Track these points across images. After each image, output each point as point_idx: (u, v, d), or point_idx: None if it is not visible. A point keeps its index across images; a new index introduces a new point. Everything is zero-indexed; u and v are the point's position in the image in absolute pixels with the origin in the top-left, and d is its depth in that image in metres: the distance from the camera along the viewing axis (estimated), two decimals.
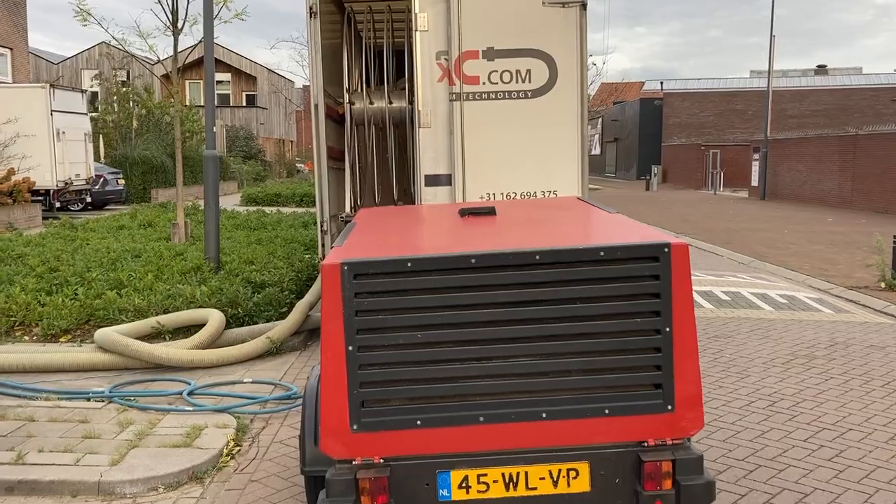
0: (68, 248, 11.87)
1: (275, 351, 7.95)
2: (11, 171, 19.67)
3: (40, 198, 20.75)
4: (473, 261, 3.12)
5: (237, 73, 51.98)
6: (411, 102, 8.50)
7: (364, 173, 8.76)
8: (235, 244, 12.89)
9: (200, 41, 14.30)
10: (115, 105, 32.60)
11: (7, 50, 31.60)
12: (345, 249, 3.42)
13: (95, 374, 7.23)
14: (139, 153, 29.02)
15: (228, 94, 52.66)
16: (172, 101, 16.13)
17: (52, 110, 21.07)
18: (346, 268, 3.11)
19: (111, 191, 25.62)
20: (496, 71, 7.50)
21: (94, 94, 34.14)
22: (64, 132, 21.68)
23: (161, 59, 17.01)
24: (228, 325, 8.18)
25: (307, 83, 61.45)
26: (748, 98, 49.44)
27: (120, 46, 15.42)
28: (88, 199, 24.07)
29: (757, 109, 48.06)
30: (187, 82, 49.28)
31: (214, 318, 7.93)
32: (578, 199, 5.04)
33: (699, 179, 42.81)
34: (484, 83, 7.50)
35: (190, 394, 6.58)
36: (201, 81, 52.35)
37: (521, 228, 3.88)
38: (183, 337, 8.17)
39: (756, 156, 34.45)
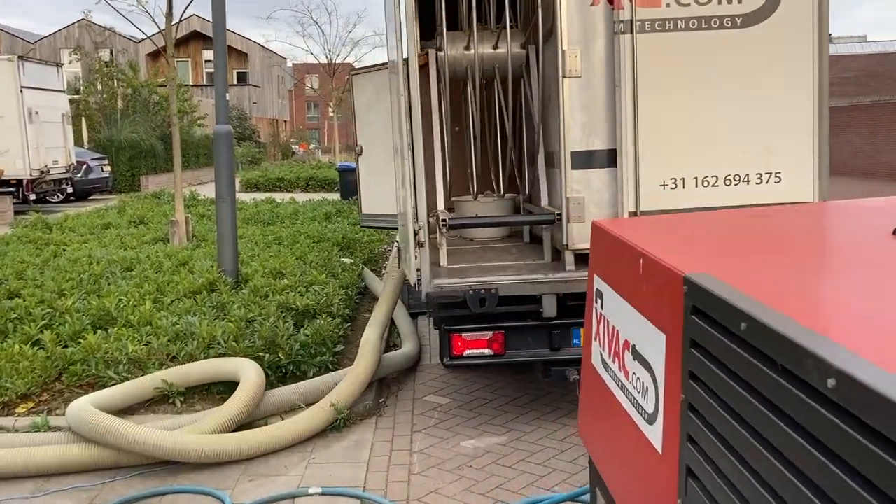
0: (37, 258, 9.10)
1: (341, 423, 5.27)
2: None
3: (11, 189, 17.87)
4: None
5: (227, 49, 48.77)
6: (525, 46, 5.79)
7: (454, 151, 6.07)
8: (251, 245, 10.17)
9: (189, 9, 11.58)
10: (98, 84, 29.58)
11: None
12: None
13: (71, 477, 4.55)
14: (126, 136, 26.09)
15: None
16: (163, 78, 13.34)
17: (21, 86, 18.11)
18: None
19: (95, 179, 22.75)
20: None
21: (76, 77, 31.03)
22: (37, 112, 18.73)
23: (147, 35, 14.26)
24: (267, 382, 5.49)
25: (300, 61, 58.43)
26: None
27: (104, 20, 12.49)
28: (69, 190, 21.21)
29: None
30: (175, 61, 46.22)
31: (249, 375, 5.24)
32: None
33: None
34: (668, 4, 4.78)
35: None
36: (189, 60, 49.27)
37: None
38: (201, 402, 5.49)
39: None
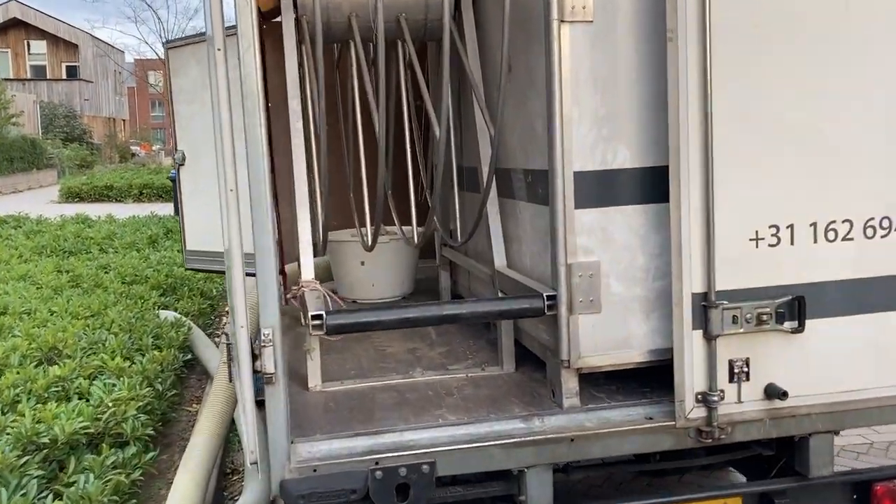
0: None
1: None
2: None
3: None
4: None
5: (54, 39, 43.46)
6: None
7: (329, 164, 3.47)
8: (31, 294, 7.10)
9: None
10: None
11: None
12: None
13: None
14: None
15: (44, 66, 44.11)
16: None
17: None
18: None
19: None
20: None
21: None
22: None
23: None
24: None
25: (141, 55, 53.33)
26: None
27: None
28: None
29: None
30: None
31: None
32: None
33: None
34: None
35: None
36: (9, 50, 43.53)
37: None
38: None
39: None
